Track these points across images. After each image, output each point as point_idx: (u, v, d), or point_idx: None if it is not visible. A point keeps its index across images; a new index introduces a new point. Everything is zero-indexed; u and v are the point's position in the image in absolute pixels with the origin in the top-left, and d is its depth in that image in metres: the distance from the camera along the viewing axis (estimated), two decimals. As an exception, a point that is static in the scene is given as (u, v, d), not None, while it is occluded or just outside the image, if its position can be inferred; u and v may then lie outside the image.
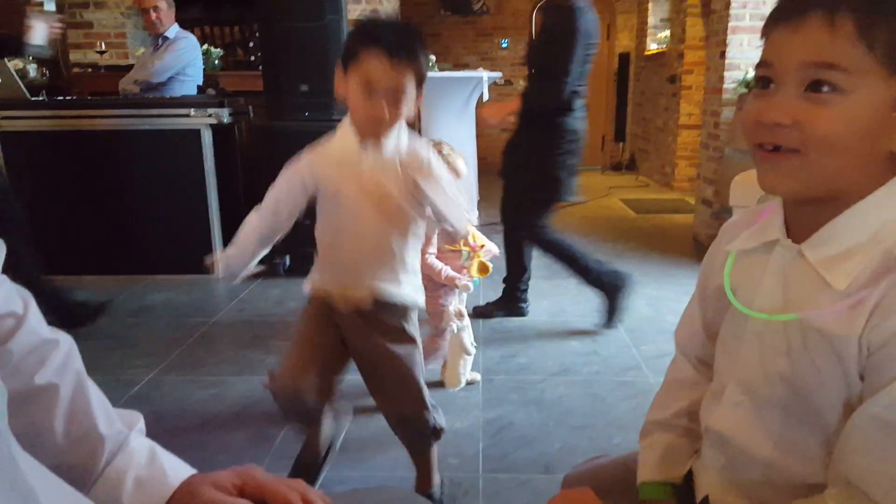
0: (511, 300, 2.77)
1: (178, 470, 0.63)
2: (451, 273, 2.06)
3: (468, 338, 2.07)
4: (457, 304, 2.11)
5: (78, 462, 0.60)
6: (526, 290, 2.79)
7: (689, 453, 0.78)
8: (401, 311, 1.35)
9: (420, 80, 1.19)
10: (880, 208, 0.59)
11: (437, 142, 2.00)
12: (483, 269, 2.10)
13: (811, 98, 0.57)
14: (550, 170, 2.56)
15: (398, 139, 1.25)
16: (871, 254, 0.59)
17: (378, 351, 1.35)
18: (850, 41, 0.55)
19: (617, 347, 2.44)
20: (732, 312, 0.70)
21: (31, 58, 2.83)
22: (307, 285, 1.43)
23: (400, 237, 1.31)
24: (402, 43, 1.13)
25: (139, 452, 0.63)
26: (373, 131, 1.21)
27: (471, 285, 2.09)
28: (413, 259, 1.36)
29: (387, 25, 1.20)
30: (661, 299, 2.99)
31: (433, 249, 2.07)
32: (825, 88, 0.57)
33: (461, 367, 2.10)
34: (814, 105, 0.57)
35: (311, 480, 1.51)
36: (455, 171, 1.92)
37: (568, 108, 2.49)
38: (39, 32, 2.48)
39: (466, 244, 2.07)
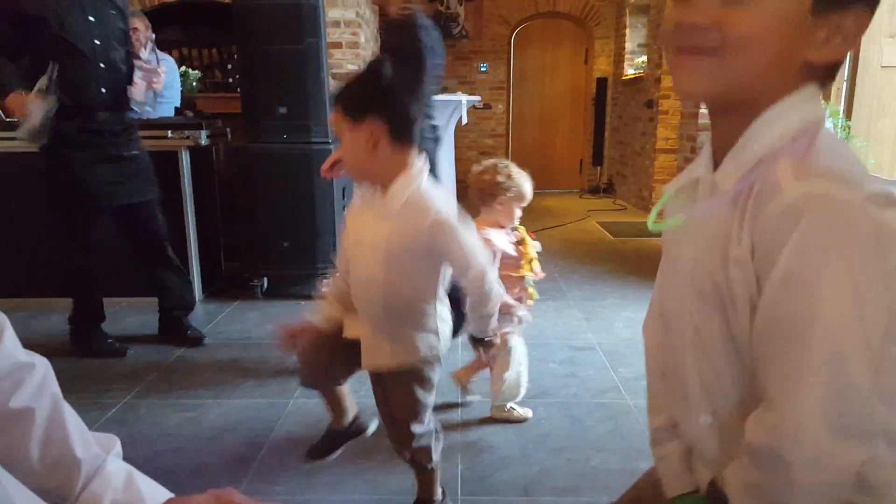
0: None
1: (155, 494, 0.63)
2: (511, 301, 1.88)
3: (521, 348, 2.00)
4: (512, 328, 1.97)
5: (54, 486, 0.59)
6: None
7: None
8: (413, 372, 1.34)
9: (391, 124, 1.18)
10: (783, 116, 0.60)
11: (503, 164, 1.92)
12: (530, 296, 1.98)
13: (729, 1, 0.58)
14: None
15: (405, 189, 1.23)
16: (759, 154, 0.60)
17: (388, 397, 1.38)
18: None
19: (595, 370, 2.45)
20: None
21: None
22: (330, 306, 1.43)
23: (409, 290, 1.28)
24: (358, 96, 1.19)
25: (116, 476, 0.62)
26: (362, 180, 1.28)
27: (530, 316, 2.00)
28: (429, 312, 1.31)
29: (355, 79, 1.24)
30: (638, 322, 2.99)
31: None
32: None
33: (521, 378, 2.01)
34: (732, 6, 0.58)
35: (334, 449, 1.60)
36: (520, 197, 1.87)
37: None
38: (140, 89, 2.53)
39: (531, 269, 1.91)
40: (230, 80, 4.62)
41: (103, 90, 2.40)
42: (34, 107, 2.20)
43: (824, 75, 0.62)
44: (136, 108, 2.48)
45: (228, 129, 3.57)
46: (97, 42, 2.37)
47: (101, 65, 2.38)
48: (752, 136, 0.61)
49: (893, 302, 0.54)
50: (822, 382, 0.54)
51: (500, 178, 1.86)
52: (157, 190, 2.63)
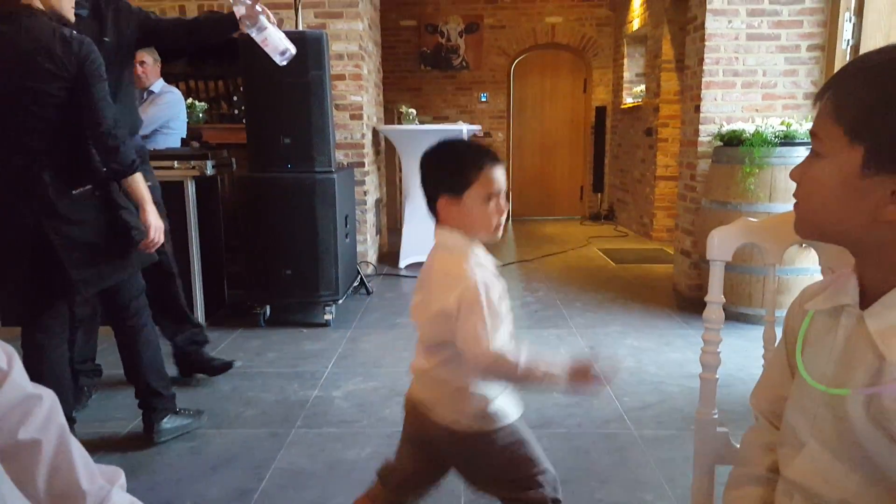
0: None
1: (159, 527, 0.62)
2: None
3: None
4: None
5: (58, 520, 0.59)
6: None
7: None
8: (476, 439, 1.18)
9: None
10: None
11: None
12: None
13: (807, 160, 0.69)
14: None
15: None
16: None
17: (480, 480, 1.25)
18: (826, 114, 0.66)
19: (599, 399, 2.43)
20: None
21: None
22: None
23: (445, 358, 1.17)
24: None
25: (121, 509, 0.62)
26: (495, 234, 1.20)
27: None
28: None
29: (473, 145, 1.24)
30: (642, 350, 3.01)
31: None
32: (812, 153, 0.68)
33: None
34: (806, 166, 0.69)
35: None
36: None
37: None
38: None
39: None
40: (236, 111, 4.68)
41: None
42: None
43: None
44: (283, 59, 2.17)
45: (234, 160, 3.62)
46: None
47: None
48: None
49: None
50: None
51: None
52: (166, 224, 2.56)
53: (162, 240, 2.03)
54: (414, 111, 5.24)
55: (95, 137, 1.83)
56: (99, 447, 2.09)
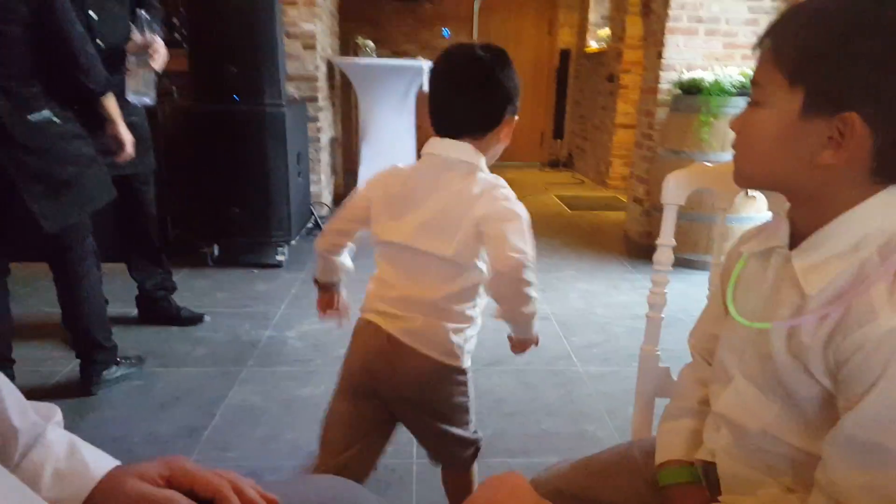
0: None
1: (100, 462, 0.61)
2: None
3: None
4: None
5: (-11, 457, 0.56)
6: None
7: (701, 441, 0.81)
8: (450, 372, 1.16)
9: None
10: (863, 220, 0.63)
11: None
12: None
13: (747, 110, 0.68)
14: None
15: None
16: (846, 264, 0.62)
17: (426, 420, 1.20)
18: (767, 60, 0.65)
19: (548, 338, 2.50)
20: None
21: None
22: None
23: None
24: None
25: (58, 444, 0.60)
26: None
27: None
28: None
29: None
30: (592, 293, 3.09)
31: None
32: (753, 103, 0.67)
33: None
34: (746, 115, 0.68)
35: None
36: None
37: None
38: (137, 77, 2.16)
39: None
40: (176, 35, 4.39)
41: (99, 42, 2.06)
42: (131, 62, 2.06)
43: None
44: (132, 100, 2.13)
45: (175, 88, 3.41)
46: None
47: (92, 13, 2.05)
48: (825, 240, 0.65)
49: None
50: None
51: None
52: (149, 163, 2.39)
53: (133, 153, 2.06)
54: (372, 43, 5.02)
55: (64, 57, 1.73)
56: (40, 388, 2.03)
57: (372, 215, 1.16)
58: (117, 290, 2.67)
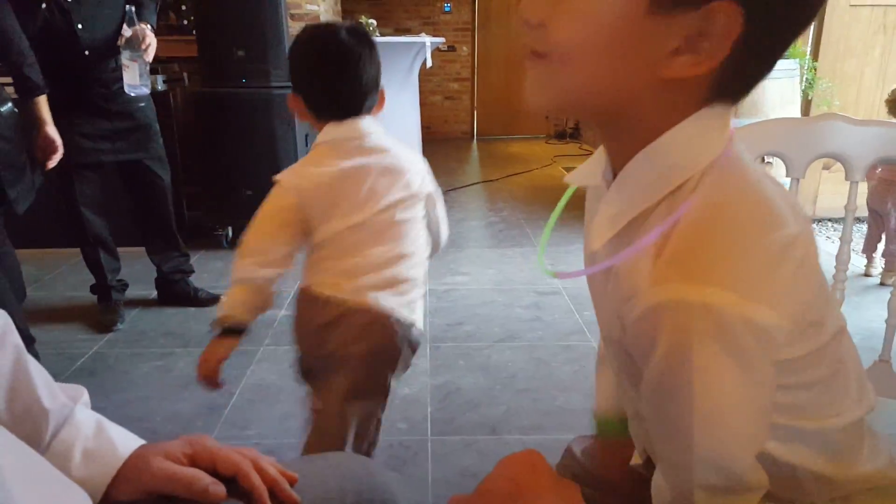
0: None
1: (126, 441, 0.63)
2: None
3: None
4: None
5: (22, 438, 0.59)
6: None
7: None
8: None
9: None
10: (669, 151, 0.48)
11: None
12: None
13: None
14: None
15: None
16: (637, 209, 0.50)
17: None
18: None
19: (560, 313, 2.52)
20: None
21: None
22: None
23: None
24: None
25: (86, 425, 0.62)
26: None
27: None
28: None
29: None
30: (602, 265, 3.09)
31: None
32: None
33: None
34: (557, 4, 0.46)
35: None
36: None
37: None
38: (133, 70, 2.22)
39: None
40: (185, 21, 4.39)
41: (85, 52, 2.15)
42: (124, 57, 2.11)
43: (735, 91, 0.48)
44: (130, 92, 2.18)
45: (185, 74, 3.43)
46: None
47: (80, 25, 2.11)
48: (629, 178, 0.51)
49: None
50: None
51: None
52: (156, 147, 2.41)
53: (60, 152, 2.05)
54: (374, 22, 4.98)
55: (7, 57, 1.86)
56: (65, 371, 2.08)
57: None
58: (137, 273, 2.73)
